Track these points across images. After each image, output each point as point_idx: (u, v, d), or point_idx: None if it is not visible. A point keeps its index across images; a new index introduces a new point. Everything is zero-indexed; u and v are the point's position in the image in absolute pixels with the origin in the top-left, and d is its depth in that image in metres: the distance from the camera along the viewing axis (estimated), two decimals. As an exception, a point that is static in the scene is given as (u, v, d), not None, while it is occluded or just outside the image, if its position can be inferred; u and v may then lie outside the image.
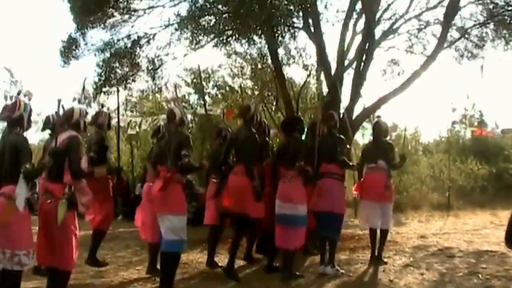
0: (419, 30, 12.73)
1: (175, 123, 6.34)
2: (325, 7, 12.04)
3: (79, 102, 5.81)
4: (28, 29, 54.13)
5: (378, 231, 8.32)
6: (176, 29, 11.48)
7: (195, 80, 18.06)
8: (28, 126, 5.34)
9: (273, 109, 16.67)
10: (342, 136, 7.93)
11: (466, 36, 12.30)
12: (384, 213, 8.19)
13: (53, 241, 5.23)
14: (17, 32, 55.72)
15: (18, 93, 5.26)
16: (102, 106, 8.24)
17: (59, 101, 5.50)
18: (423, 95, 32.88)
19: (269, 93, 16.64)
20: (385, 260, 8.34)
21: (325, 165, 7.53)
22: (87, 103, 6.07)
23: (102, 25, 11.98)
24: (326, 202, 7.46)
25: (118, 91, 9.94)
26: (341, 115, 10.26)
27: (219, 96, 18.50)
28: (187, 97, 18.90)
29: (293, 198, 7.01)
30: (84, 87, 6.46)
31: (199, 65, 16.88)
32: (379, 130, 8.43)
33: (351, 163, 8.32)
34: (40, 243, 5.29)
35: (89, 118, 6.19)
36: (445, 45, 11.82)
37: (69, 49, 11.97)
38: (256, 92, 17.54)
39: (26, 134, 5.28)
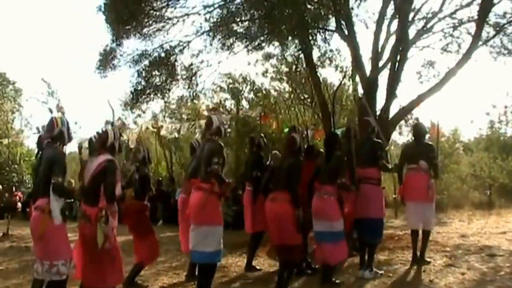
0: (454, 28, 12.58)
1: (211, 131, 6.28)
2: (357, 7, 12.10)
3: (112, 124, 5.84)
4: (65, 40, 55.48)
5: (420, 232, 8.23)
6: (208, 35, 11.59)
7: (231, 86, 18.23)
8: (69, 139, 5.48)
9: (310, 111, 16.72)
10: (379, 140, 7.87)
11: (502, 33, 12.08)
12: (426, 213, 8.11)
13: (92, 261, 5.35)
14: (55, 43, 57.09)
15: (50, 111, 5.40)
16: (138, 142, 8.28)
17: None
18: (462, 93, 32.27)
19: (305, 96, 16.71)
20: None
21: (362, 170, 7.44)
22: (120, 125, 6.09)
23: (137, 35, 12.19)
24: (364, 207, 7.43)
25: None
26: (377, 116, 10.32)
27: (255, 100, 18.63)
28: (223, 102, 19.14)
29: (328, 214, 6.89)
30: (113, 110, 6.50)
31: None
32: (419, 131, 8.42)
33: (390, 166, 8.25)
34: (79, 262, 5.44)
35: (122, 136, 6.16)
36: (481, 42, 11.66)
37: (106, 61, 12.22)
38: (292, 95, 17.67)
39: (66, 147, 5.45)
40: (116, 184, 5.35)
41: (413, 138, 8.69)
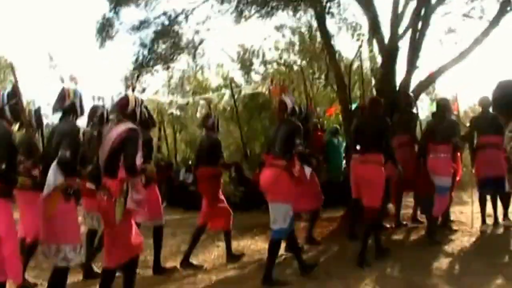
0: (480, -8, 11.76)
1: (288, 112, 6.52)
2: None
3: (133, 89, 5.63)
4: (67, 12, 55.30)
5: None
6: (217, 1, 11.09)
7: (240, 57, 17.64)
8: (81, 112, 5.32)
9: (323, 84, 16.10)
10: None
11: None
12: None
13: (106, 237, 5.12)
14: (56, 15, 56.73)
15: (62, 81, 5.15)
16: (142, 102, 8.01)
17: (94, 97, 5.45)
18: (486, 65, 31.60)
19: (319, 68, 16.08)
20: (450, 241, 8.06)
21: (485, 138, 8.81)
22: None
23: (137, 2, 11.74)
24: (492, 168, 8.66)
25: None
26: (397, 88, 10.12)
27: (266, 72, 17.99)
28: (231, 74, 18.46)
29: (439, 170, 7.91)
30: (137, 76, 6.32)
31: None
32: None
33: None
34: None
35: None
36: (509, 8, 10.81)
37: (104, 30, 11.83)
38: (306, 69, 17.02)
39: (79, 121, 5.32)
40: (137, 153, 5.01)
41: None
